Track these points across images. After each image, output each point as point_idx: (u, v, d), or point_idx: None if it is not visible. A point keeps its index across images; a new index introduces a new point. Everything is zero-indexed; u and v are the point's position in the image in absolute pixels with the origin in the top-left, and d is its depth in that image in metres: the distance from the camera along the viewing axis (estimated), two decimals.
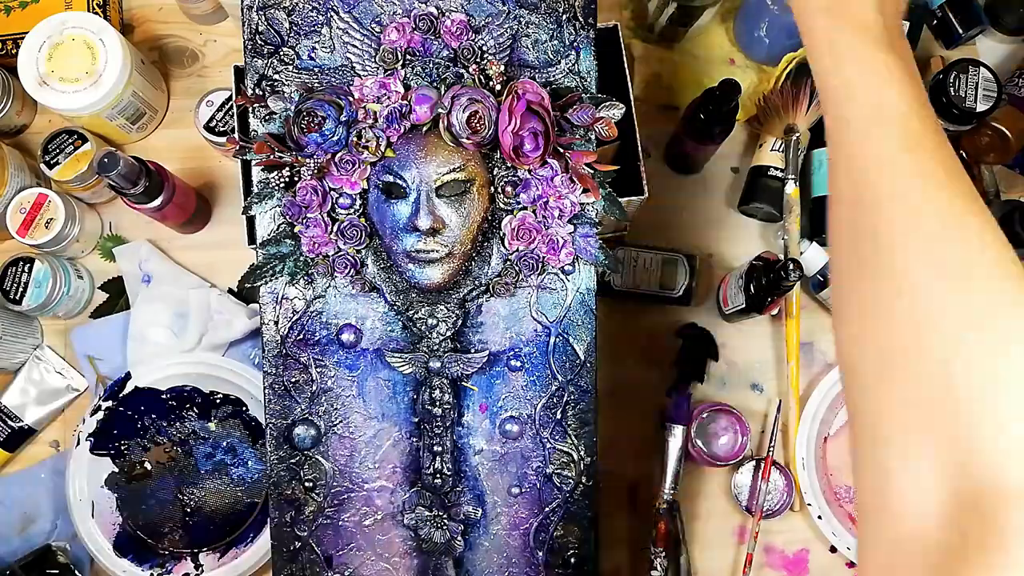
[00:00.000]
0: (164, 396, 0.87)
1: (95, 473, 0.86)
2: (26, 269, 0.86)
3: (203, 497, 0.87)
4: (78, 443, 0.86)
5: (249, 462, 0.88)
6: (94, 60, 0.84)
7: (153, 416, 0.87)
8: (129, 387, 0.87)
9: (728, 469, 0.88)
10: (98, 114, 0.86)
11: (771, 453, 0.86)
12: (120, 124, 0.90)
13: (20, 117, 0.93)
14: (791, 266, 0.75)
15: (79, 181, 0.88)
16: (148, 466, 0.87)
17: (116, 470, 0.87)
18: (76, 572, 0.86)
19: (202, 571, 0.85)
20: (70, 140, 0.88)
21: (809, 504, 0.86)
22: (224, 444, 0.88)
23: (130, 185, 0.79)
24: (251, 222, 0.74)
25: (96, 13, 0.91)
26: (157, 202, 0.83)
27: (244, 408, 0.88)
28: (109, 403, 0.86)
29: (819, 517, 0.85)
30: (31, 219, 0.86)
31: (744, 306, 0.83)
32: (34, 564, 0.85)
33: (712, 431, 0.86)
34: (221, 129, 0.88)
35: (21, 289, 0.85)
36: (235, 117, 0.82)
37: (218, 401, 0.88)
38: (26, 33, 0.85)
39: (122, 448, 0.87)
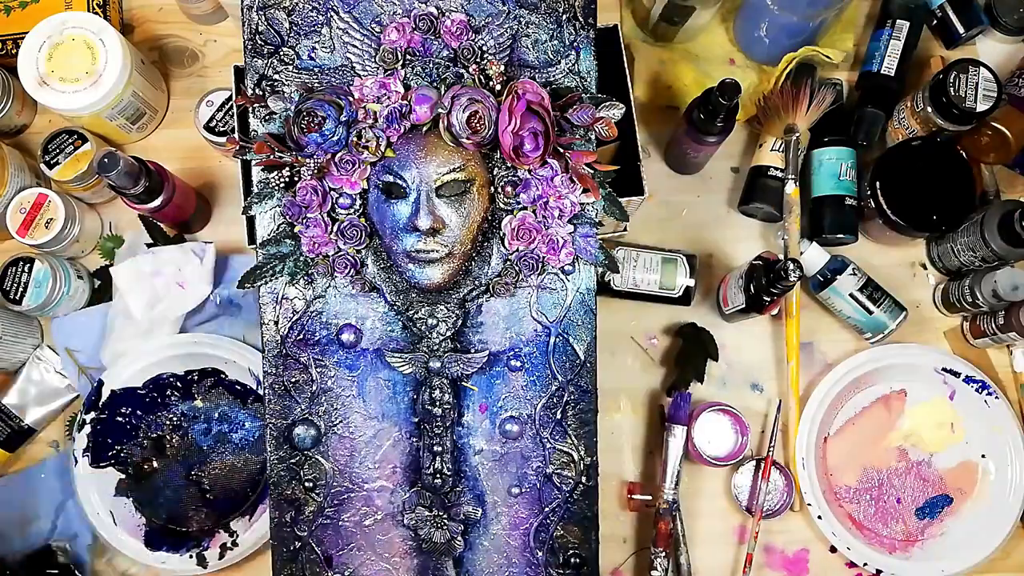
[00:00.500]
0: (142, 392, 0.87)
1: (103, 484, 0.85)
2: (26, 269, 0.86)
3: (214, 471, 0.87)
4: (76, 462, 0.85)
5: (246, 423, 0.87)
6: (94, 60, 0.84)
7: (139, 414, 0.87)
8: (105, 393, 0.86)
9: (728, 469, 0.88)
10: (98, 114, 0.86)
11: (771, 453, 0.86)
12: (120, 124, 0.90)
13: (20, 117, 0.93)
14: (791, 266, 0.75)
15: (79, 181, 0.88)
16: (152, 462, 0.87)
17: (123, 477, 0.86)
18: (76, 572, 0.86)
19: (237, 537, 0.85)
20: (70, 140, 0.88)
21: (809, 504, 0.86)
22: (216, 415, 0.88)
23: (130, 185, 0.79)
24: (251, 222, 0.74)
25: (96, 13, 0.91)
26: (157, 202, 0.83)
27: (222, 375, 0.88)
28: (92, 415, 0.85)
29: (819, 517, 0.85)
30: (31, 219, 0.86)
31: (744, 306, 0.83)
32: (34, 564, 0.85)
33: (712, 431, 0.86)
34: (221, 129, 0.88)
35: (21, 289, 0.85)
36: (235, 117, 0.82)
37: (195, 377, 0.88)
38: (26, 33, 0.85)
39: (120, 454, 0.86)
